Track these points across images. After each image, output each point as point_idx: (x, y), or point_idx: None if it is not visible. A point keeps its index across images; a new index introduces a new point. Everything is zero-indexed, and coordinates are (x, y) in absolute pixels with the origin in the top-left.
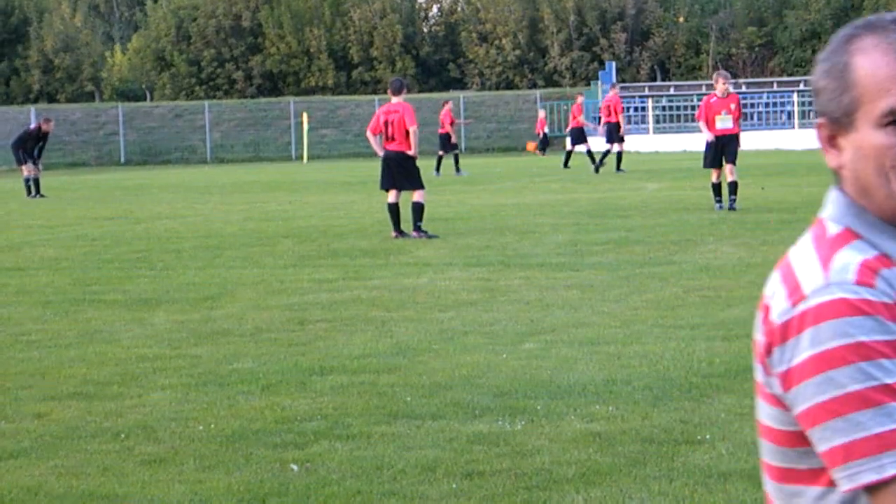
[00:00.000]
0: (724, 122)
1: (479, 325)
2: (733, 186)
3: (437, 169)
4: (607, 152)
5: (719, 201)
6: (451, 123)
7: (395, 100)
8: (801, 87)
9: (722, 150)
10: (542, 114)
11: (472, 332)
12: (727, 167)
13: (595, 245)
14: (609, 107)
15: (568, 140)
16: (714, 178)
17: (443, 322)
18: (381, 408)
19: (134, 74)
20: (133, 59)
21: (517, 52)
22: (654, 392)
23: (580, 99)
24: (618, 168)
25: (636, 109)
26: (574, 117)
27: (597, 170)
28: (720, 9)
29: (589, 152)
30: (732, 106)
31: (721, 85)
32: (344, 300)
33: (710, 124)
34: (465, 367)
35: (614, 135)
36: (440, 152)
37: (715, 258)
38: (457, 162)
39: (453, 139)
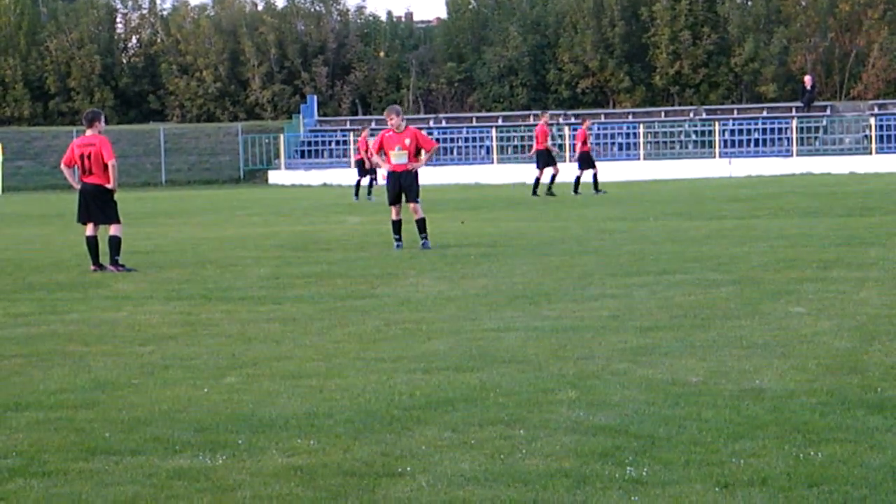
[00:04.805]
0: (399, 158)
1: (180, 358)
2: (420, 224)
3: (356, 194)
4: (578, 178)
5: (398, 240)
6: (366, 150)
7: (90, 132)
8: (500, 122)
9: (400, 187)
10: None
11: (172, 367)
12: (410, 205)
13: (297, 278)
14: (572, 135)
15: (576, 165)
16: (394, 216)
17: (143, 356)
18: (79, 444)
19: None
20: None
21: (218, 84)
22: (356, 425)
23: (587, 123)
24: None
25: (338, 143)
26: (584, 143)
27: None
28: (420, 44)
29: (577, 179)
30: (407, 141)
31: (392, 120)
32: (40, 334)
33: (388, 159)
34: (166, 401)
35: (585, 161)
36: (359, 178)
37: (416, 291)
38: (370, 187)
39: (368, 165)
